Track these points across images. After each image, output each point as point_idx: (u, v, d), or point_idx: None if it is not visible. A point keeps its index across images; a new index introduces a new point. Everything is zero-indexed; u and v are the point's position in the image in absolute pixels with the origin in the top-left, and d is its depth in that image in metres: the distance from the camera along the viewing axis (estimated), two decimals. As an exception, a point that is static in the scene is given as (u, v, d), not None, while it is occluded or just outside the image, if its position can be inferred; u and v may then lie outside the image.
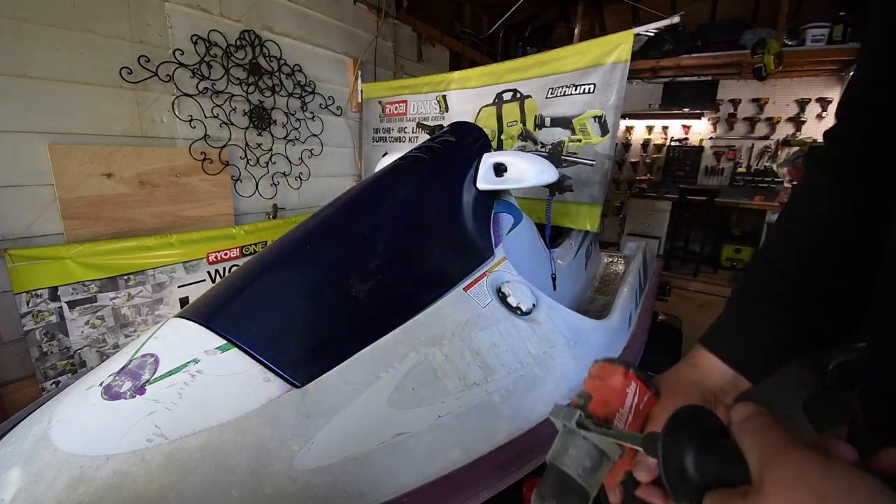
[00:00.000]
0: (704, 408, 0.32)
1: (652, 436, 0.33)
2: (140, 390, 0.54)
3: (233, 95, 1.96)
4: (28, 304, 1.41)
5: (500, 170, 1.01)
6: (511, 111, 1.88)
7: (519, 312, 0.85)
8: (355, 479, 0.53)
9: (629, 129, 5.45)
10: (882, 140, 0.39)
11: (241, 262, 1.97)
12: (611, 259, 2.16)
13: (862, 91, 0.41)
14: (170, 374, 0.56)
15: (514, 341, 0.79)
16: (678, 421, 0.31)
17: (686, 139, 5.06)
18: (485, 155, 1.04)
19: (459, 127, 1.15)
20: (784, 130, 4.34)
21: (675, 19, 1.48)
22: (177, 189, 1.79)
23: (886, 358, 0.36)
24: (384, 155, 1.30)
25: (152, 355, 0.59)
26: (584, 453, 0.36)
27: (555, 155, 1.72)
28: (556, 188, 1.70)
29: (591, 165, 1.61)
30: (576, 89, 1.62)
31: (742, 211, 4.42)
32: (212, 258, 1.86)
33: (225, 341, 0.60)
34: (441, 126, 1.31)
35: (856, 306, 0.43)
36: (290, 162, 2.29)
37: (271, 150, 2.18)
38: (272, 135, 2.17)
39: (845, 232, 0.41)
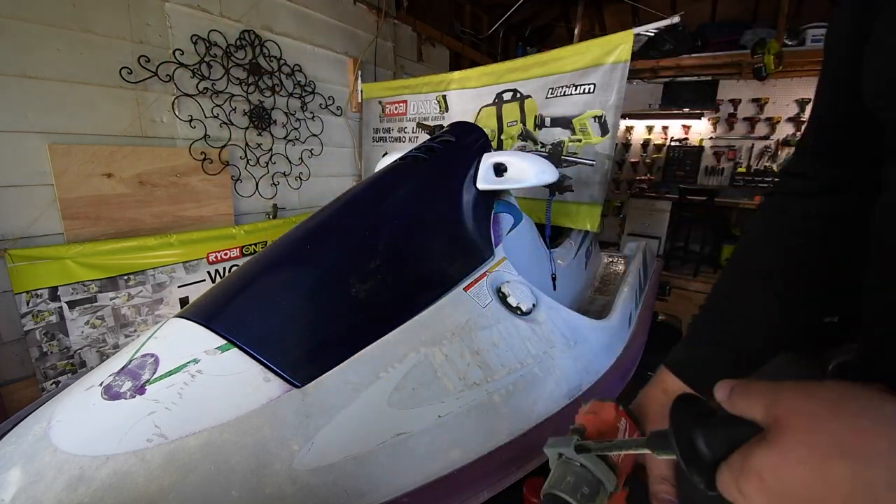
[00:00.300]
0: (695, 395, 0.33)
1: (655, 433, 0.33)
2: (140, 390, 0.54)
3: (233, 95, 1.96)
4: (28, 304, 1.41)
5: (500, 170, 1.01)
6: (511, 111, 1.88)
7: (519, 312, 0.85)
8: (355, 479, 0.53)
9: (629, 129, 5.45)
10: (836, 178, 0.42)
11: (241, 262, 1.97)
12: (611, 259, 2.16)
13: (816, 134, 0.44)
14: (170, 374, 0.56)
15: (514, 341, 0.79)
16: (677, 411, 0.31)
17: (686, 139, 5.06)
18: (485, 155, 1.04)
19: (459, 127, 1.15)
20: (784, 130, 4.34)
21: (675, 19, 1.48)
22: (177, 189, 1.79)
23: (876, 357, 0.37)
24: (384, 155, 1.30)
25: (152, 355, 0.59)
26: (582, 480, 0.37)
27: (555, 155, 1.72)
28: (556, 188, 1.70)
29: (591, 165, 1.61)
30: (576, 89, 1.62)
31: (742, 211, 4.41)
32: (212, 258, 1.86)
33: (225, 341, 0.60)
34: (441, 126, 1.31)
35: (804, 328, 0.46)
36: (290, 162, 2.29)
37: (271, 150, 2.18)
38: (272, 135, 2.17)
39: (798, 275, 0.44)
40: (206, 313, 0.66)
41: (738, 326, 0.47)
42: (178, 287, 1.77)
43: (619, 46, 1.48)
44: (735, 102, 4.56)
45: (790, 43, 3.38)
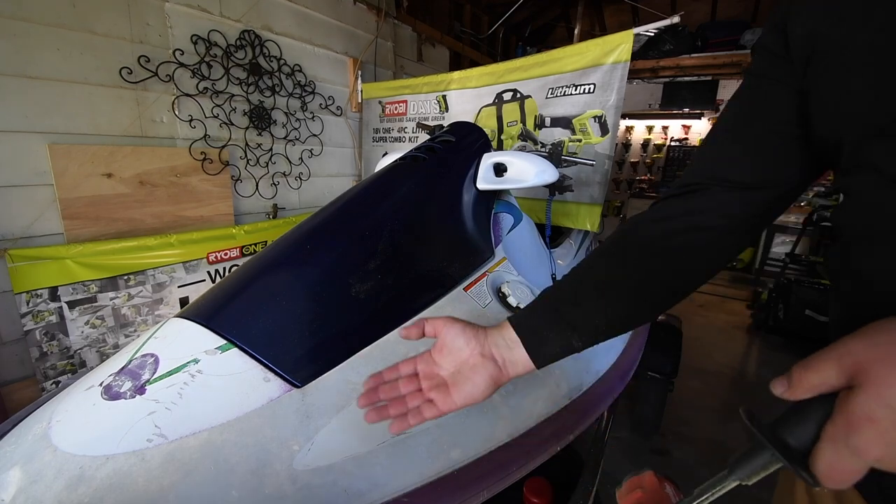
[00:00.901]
0: (750, 411, 0.35)
1: (734, 461, 0.34)
2: (140, 390, 0.54)
3: (233, 95, 1.96)
4: (28, 304, 1.41)
5: (500, 170, 1.01)
6: (511, 111, 1.88)
7: (519, 312, 0.85)
8: (355, 479, 0.53)
9: (629, 129, 5.46)
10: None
11: (241, 262, 1.97)
12: (611, 259, 2.15)
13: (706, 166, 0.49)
14: (170, 374, 0.56)
15: (514, 341, 0.78)
16: (752, 425, 0.32)
17: (686, 139, 5.06)
18: (485, 155, 1.04)
19: (459, 127, 1.15)
20: (784, 130, 4.34)
21: (675, 19, 1.48)
22: (177, 189, 1.79)
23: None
24: (384, 155, 1.29)
25: (152, 355, 0.59)
26: None
27: (555, 155, 1.72)
28: (556, 188, 1.70)
29: (591, 165, 1.61)
30: (576, 89, 1.62)
31: (742, 211, 4.41)
32: (212, 258, 1.86)
33: (225, 341, 0.60)
34: (441, 126, 1.31)
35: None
36: (290, 162, 2.29)
37: (271, 150, 2.18)
38: (272, 135, 2.17)
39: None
40: (206, 313, 0.66)
41: (582, 313, 0.48)
42: (178, 287, 1.77)
43: (619, 46, 1.48)
44: (735, 102, 4.56)
45: (790, 43, 3.38)
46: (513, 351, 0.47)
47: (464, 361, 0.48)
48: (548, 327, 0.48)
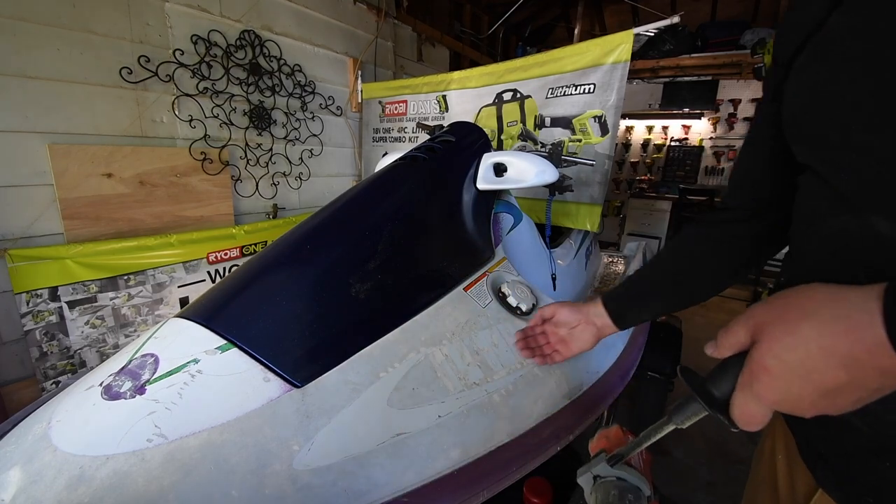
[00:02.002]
0: (688, 368, 0.42)
1: (673, 409, 0.41)
2: (140, 390, 0.54)
3: (233, 95, 1.96)
4: (28, 304, 1.41)
5: (500, 170, 1.01)
6: (511, 111, 1.88)
7: (519, 312, 0.85)
8: (355, 479, 0.53)
9: (629, 129, 5.45)
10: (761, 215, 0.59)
11: (241, 262, 1.97)
12: (611, 259, 2.16)
13: (746, 179, 0.61)
14: (170, 374, 0.55)
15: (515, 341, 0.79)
16: (687, 381, 0.39)
17: (686, 139, 5.06)
18: (485, 155, 1.04)
19: (459, 127, 1.15)
20: (784, 130, 4.34)
21: (675, 19, 1.48)
22: (177, 189, 1.79)
23: None
24: (384, 155, 1.29)
25: (152, 355, 0.59)
26: (625, 492, 0.44)
27: (555, 155, 1.72)
28: (556, 188, 1.70)
29: (591, 165, 1.61)
30: (576, 89, 1.62)
31: (742, 211, 4.41)
32: (212, 258, 1.86)
33: (225, 341, 0.60)
34: (441, 126, 1.31)
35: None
36: (290, 162, 2.29)
37: (271, 150, 2.18)
38: (272, 135, 2.17)
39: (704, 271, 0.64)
40: (205, 313, 0.66)
41: (666, 292, 0.67)
42: (178, 287, 1.77)
43: (619, 46, 1.48)
44: (735, 102, 4.57)
45: (790, 43, 3.38)
46: (604, 319, 0.69)
47: (575, 327, 0.73)
48: (626, 307, 0.69)
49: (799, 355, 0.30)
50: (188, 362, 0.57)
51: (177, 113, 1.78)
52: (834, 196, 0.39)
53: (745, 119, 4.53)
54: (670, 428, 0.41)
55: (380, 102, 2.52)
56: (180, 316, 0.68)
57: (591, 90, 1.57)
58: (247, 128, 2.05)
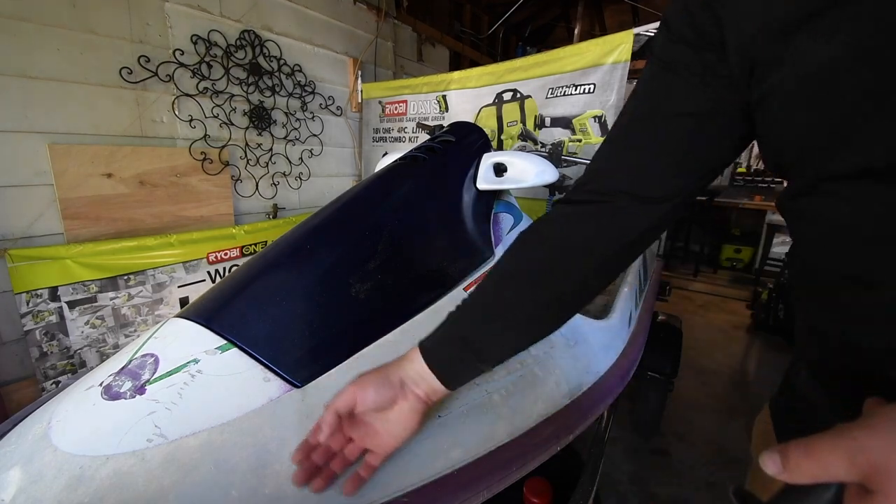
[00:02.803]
0: (745, 490, 0.33)
1: None
2: (140, 390, 0.54)
3: (233, 95, 1.96)
4: (28, 304, 1.41)
5: (500, 170, 1.01)
6: (511, 111, 1.88)
7: (519, 312, 0.85)
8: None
9: (629, 129, 5.46)
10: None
11: (241, 262, 1.97)
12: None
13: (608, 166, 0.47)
14: (170, 374, 0.55)
15: (514, 341, 0.78)
16: None
17: (686, 139, 5.06)
18: (485, 155, 1.04)
19: (459, 127, 1.15)
20: (784, 130, 4.34)
21: (675, 19, 1.48)
22: (177, 189, 1.79)
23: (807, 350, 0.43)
24: (384, 155, 1.30)
25: (152, 355, 0.59)
26: None
27: (555, 155, 1.72)
28: (556, 188, 1.70)
29: (591, 165, 1.61)
30: (576, 89, 1.62)
31: (742, 211, 4.42)
32: (212, 258, 1.86)
33: (225, 341, 0.60)
34: (441, 126, 1.31)
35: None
36: (290, 162, 2.29)
37: (271, 150, 2.18)
38: (272, 135, 2.17)
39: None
40: (206, 313, 0.66)
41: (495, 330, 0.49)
42: (178, 287, 1.77)
43: (619, 46, 1.48)
44: (735, 102, 4.56)
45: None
46: (429, 382, 0.49)
47: (388, 410, 0.50)
48: (457, 358, 0.49)
49: None
50: (188, 362, 0.57)
51: (177, 113, 1.78)
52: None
53: (745, 119, 4.53)
54: None
55: (380, 102, 2.52)
56: (180, 316, 0.68)
57: (592, 90, 1.57)
58: (247, 128, 2.05)
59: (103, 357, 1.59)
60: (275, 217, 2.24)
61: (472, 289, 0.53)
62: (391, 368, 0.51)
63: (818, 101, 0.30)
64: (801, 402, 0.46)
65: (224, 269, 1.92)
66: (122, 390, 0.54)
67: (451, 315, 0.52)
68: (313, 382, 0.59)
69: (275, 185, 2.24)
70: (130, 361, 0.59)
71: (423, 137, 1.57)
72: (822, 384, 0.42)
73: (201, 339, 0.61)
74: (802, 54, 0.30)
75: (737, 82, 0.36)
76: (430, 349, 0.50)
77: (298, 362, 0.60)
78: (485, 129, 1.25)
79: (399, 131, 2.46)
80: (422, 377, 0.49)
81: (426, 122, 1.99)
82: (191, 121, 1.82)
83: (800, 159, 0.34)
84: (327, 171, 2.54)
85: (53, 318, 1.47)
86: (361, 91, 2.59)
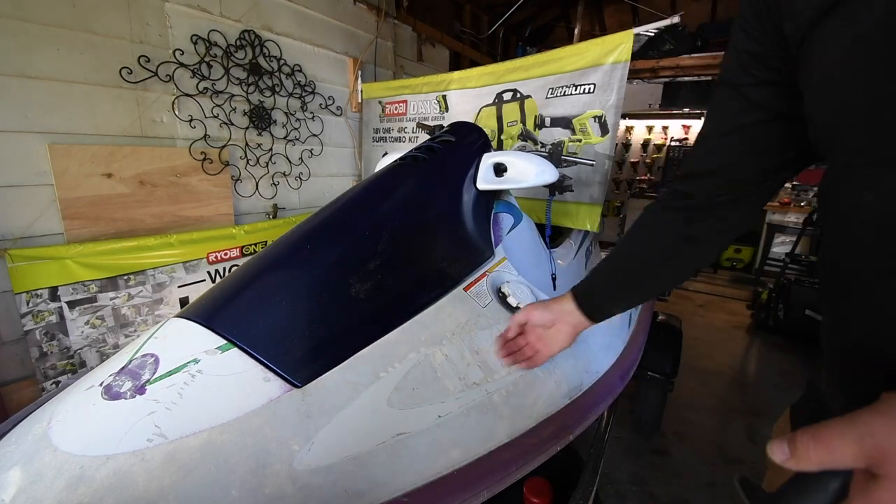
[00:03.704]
0: (748, 480, 0.36)
1: None
2: (140, 390, 0.54)
3: (233, 95, 1.96)
4: (28, 304, 1.41)
5: (500, 170, 1.01)
6: (511, 111, 1.88)
7: (519, 312, 0.85)
8: (355, 479, 0.53)
9: (629, 129, 5.46)
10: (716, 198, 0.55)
11: (241, 262, 1.97)
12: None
13: (703, 165, 0.56)
14: (170, 374, 0.55)
15: (514, 341, 0.78)
16: (748, 498, 0.30)
17: (686, 139, 5.06)
18: (485, 155, 1.04)
19: (459, 127, 1.15)
20: (784, 130, 4.34)
21: (675, 19, 1.48)
22: (177, 189, 1.79)
23: (833, 345, 0.43)
24: (384, 155, 1.29)
25: (152, 355, 0.59)
26: None
27: (555, 155, 1.72)
28: (556, 188, 1.70)
29: (591, 165, 1.61)
30: (576, 89, 1.62)
31: (742, 211, 4.41)
32: (212, 258, 1.86)
33: (225, 341, 0.60)
34: (441, 126, 1.31)
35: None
36: (290, 162, 2.29)
37: (271, 150, 2.18)
38: (272, 135, 2.17)
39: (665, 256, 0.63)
40: (206, 313, 0.66)
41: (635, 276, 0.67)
42: (178, 287, 1.77)
43: (619, 46, 1.48)
44: (735, 102, 4.55)
45: (790, 43, 3.38)
46: (577, 316, 0.69)
47: (549, 328, 0.73)
48: (599, 302, 0.69)
49: None
50: (188, 362, 0.57)
51: (177, 113, 1.78)
52: None
53: (745, 119, 4.52)
54: None
55: (380, 102, 2.52)
56: (180, 316, 0.68)
57: (591, 90, 1.57)
58: (247, 128, 2.05)
59: (103, 357, 1.59)
60: (275, 217, 2.24)
61: (608, 252, 0.71)
62: (551, 303, 0.72)
63: (847, 79, 0.31)
64: (819, 403, 0.48)
65: (224, 269, 1.91)
66: (122, 390, 0.54)
67: (594, 270, 0.71)
68: (313, 382, 0.59)
69: (275, 185, 2.24)
70: (130, 361, 0.59)
71: (423, 137, 1.57)
72: (843, 387, 0.42)
73: (201, 339, 0.61)
74: (836, 30, 0.32)
75: (792, 66, 0.39)
76: (579, 293, 0.70)
77: (298, 362, 0.60)
78: (485, 129, 1.25)
79: (399, 131, 2.46)
80: (571, 311, 0.69)
81: (426, 122, 1.99)
82: (191, 121, 1.82)
83: (836, 141, 0.35)
84: (327, 171, 2.54)
85: (53, 318, 1.47)
86: (361, 91, 2.59)
